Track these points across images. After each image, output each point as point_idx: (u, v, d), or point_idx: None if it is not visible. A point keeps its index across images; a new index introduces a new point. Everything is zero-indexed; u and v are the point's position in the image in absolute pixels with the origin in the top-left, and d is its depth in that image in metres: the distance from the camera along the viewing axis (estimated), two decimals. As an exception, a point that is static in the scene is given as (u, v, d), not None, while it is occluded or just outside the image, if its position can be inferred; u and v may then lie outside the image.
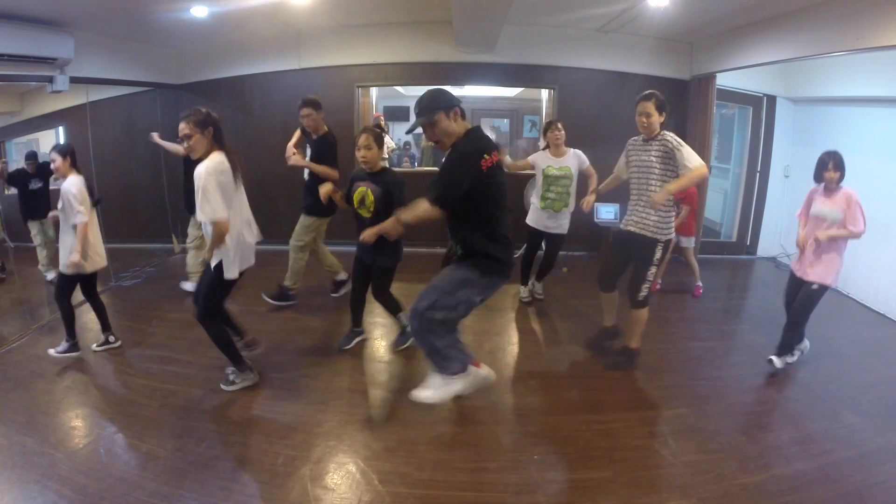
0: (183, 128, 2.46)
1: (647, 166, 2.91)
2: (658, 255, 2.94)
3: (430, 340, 2.27)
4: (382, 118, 6.87)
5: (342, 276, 4.24)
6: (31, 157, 4.80)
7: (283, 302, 4.04)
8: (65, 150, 3.10)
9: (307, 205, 3.86)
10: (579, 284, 4.72)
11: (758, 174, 5.77)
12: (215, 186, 2.41)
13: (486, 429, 2.51)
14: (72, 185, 3.01)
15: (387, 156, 4.81)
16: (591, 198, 3.64)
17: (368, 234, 2.50)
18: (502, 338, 3.59)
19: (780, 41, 4.05)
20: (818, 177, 3.01)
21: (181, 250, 5.80)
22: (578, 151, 3.93)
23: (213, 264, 2.61)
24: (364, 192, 2.99)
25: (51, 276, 4.87)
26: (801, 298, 3.03)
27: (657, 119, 2.83)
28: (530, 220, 4.04)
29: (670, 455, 2.31)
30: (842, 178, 2.95)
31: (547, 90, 5.96)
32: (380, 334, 3.57)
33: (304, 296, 4.23)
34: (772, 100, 5.55)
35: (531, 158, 3.99)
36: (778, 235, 5.74)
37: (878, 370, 3.19)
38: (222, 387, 2.82)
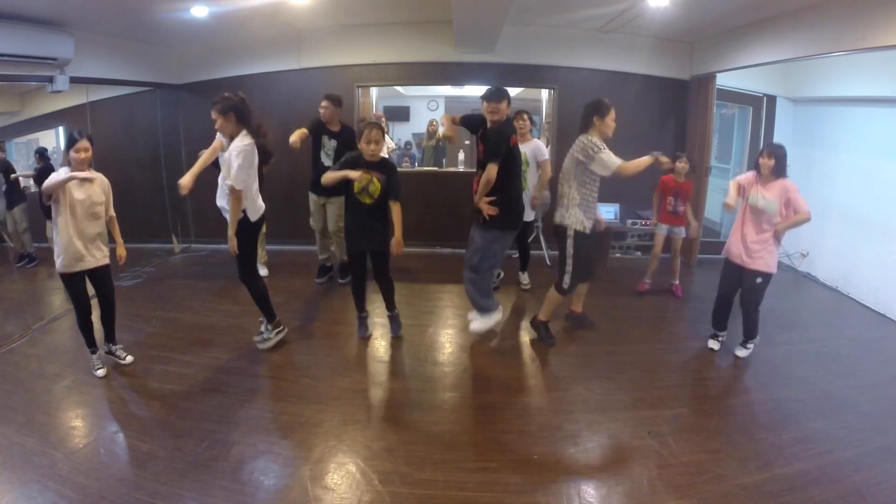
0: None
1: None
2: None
3: (483, 284, 3.25)
4: (384, 118, 6.86)
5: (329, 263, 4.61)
6: (41, 152, 4.77)
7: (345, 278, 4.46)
8: (91, 138, 2.84)
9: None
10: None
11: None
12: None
13: (486, 429, 2.51)
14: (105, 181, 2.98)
15: (387, 156, 4.83)
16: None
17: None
18: (501, 337, 3.59)
19: (780, 41, 4.04)
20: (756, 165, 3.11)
21: (181, 250, 5.81)
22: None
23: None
24: (370, 179, 3.07)
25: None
26: (749, 293, 3.16)
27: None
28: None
29: (670, 455, 2.31)
30: (778, 169, 3.01)
31: (547, 90, 5.95)
32: (379, 334, 3.58)
33: (304, 297, 4.24)
34: (772, 100, 5.54)
35: None
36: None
37: (878, 370, 3.19)
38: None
